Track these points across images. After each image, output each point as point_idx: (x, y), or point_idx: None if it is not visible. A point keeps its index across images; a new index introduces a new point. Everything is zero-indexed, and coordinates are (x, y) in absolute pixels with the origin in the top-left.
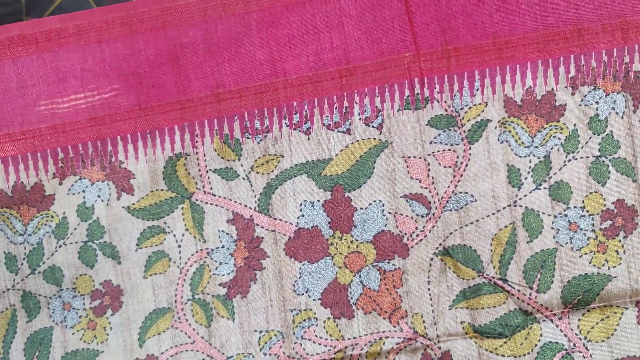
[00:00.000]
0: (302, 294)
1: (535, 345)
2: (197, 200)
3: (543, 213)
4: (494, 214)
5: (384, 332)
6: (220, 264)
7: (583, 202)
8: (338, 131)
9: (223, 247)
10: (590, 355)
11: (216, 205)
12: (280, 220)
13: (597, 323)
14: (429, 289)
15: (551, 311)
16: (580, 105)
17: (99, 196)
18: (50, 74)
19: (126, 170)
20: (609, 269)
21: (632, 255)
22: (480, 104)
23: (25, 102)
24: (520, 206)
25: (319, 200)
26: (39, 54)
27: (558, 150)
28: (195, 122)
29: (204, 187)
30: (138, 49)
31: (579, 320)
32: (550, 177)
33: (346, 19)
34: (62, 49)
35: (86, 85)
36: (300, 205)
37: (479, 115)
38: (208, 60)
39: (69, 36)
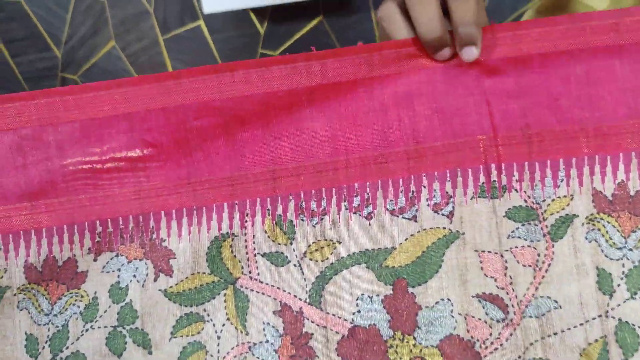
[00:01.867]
0: None
1: None
2: (242, 286)
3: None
4: (581, 324)
5: None
6: None
7: None
8: (403, 218)
9: (267, 341)
10: None
11: (263, 293)
12: (334, 315)
13: None
14: None
15: None
16: None
17: (134, 276)
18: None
19: (167, 249)
20: None
21: None
22: (565, 196)
23: (65, 171)
24: (613, 317)
25: (378, 295)
26: (82, 121)
27: None
28: (247, 200)
29: (250, 272)
30: (189, 120)
31: None
32: None
33: (416, 96)
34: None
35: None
36: (357, 299)
37: (563, 209)
38: (265, 135)
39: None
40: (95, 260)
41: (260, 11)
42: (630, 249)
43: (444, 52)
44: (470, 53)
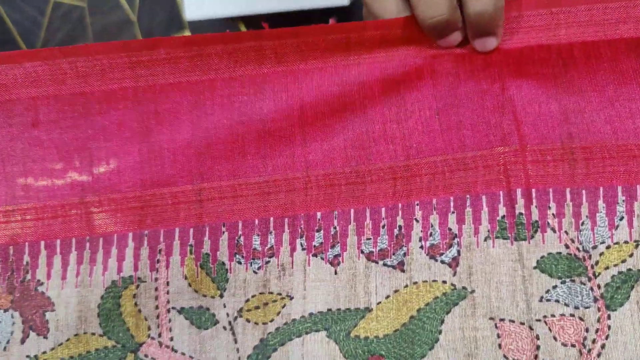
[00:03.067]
0: None
1: None
2: (147, 356)
3: None
4: None
5: None
6: None
7: None
8: (384, 265)
9: None
10: None
11: None
12: None
13: None
14: None
15: None
16: None
17: None
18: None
19: (43, 296)
20: None
21: None
22: (626, 242)
23: None
24: None
25: None
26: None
27: None
28: (161, 230)
29: (160, 335)
30: (90, 112)
31: None
32: None
33: (408, 92)
34: None
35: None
36: None
37: (624, 261)
38: (191, 136)
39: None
40: None
41: (251, 22)
42: None
43: (451, 38)
44: (487, 44)
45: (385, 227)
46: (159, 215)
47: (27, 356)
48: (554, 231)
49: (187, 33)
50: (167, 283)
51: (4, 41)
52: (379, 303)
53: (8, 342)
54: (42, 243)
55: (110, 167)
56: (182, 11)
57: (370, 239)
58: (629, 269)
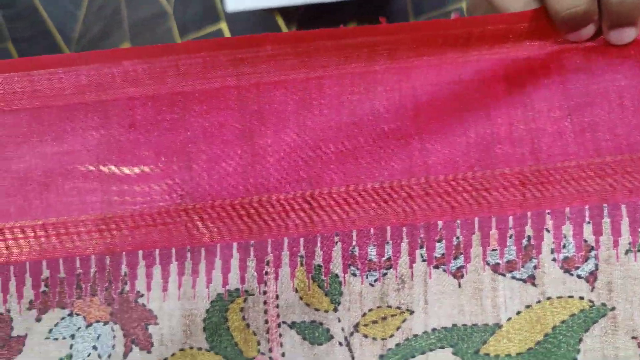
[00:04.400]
0: None
1: None
2: None
3: None
4: None
5: None
6: None
7: None
8: (513, 278)
9: None
10: None
11: None
12: None
13: None
14: None
15: None
16: None
17: (94, 347)
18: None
19: (145, 309)
20: None
21: None
22: None
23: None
24: None
25: None
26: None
27: None
28: (268, 240)
29: (271, 350)
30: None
31: None
32: None
33: (535, 91)
34: None
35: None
36: None
37: None
38: (299, 139)
39: None
40: (38, 320)
41: (288, 14)
42: None
43: (585, 31)
44: (624, 35)
45: (513, 237)
46: (266, 224)
47: None
48: None
49: (223, 25)
50: (277, 296)
51: (40, 33)
52: (509, 319)
53: (109, 356)
54: (140, 253)
55: (211, 172)
56: (218, 2)
57: (496, 249)
58: None
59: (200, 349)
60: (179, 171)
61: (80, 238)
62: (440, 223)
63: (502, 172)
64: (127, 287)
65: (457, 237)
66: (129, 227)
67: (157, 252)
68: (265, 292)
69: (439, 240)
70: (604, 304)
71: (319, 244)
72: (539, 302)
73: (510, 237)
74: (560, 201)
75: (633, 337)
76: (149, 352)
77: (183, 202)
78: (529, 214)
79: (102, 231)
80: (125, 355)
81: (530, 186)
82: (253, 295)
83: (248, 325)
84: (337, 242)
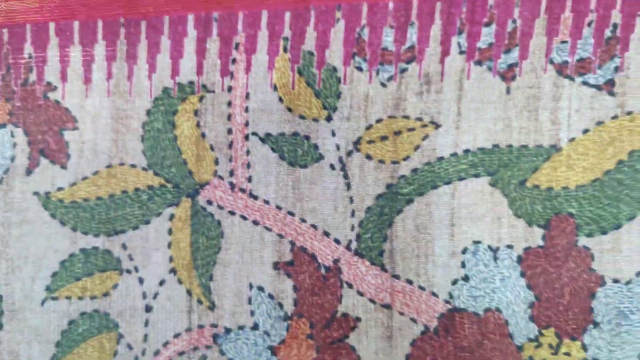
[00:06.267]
0: None
1: None
2: (210, 202)
3: None
4: None
5: None
6: None
7: None
8: (585, 82)
9: (255, 328)
10: None
11: (254, 222)
12: (409, 282)
13: None
14: None
15: None
16: None
17: None
18: None
19: (58, 107)
20: None
21: None
22: None
23: None
24: None
25: (511, 247)
26: None
27: None
28: (239, 12)
29: (232, 173)
30: None
31: None
32: None
33: None
34: None
35: None
36: (465, 252)
37: None
38: None
39: None
40: None
41: None
42: None
43: None
44: None
45: (593, 24)
46: None
47: (35, 193)
48: None
49: None
50: (247, 95)
51: None
52: (572, 140)
53: (6, 171)
54: (52, 25)
55: None
56: None
57: (566, 42)
58: None
59: (134, 166)
60: None
61: None
62: None
63: None
64: (33, 76)
65: (514, 21)
66: None
67: (77, 24)
68: (230, 89)
69: (487, 25)
70: None
71: (312, 21)
72: (615, 117)
73: (590, 24)
74: None
75: None
76: (63, 166)
77: None
78: None
79: None
80: (30, 169)
81: None
82: (213, 92)
83: (204, 135)
84: (338, 20)
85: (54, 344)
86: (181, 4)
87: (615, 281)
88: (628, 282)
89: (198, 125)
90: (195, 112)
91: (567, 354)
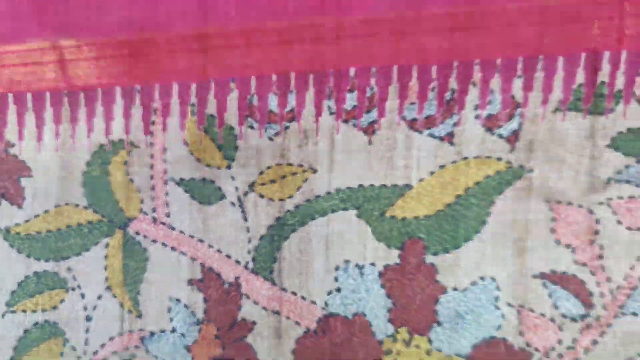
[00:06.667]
0: None
1: None
2: (137, 233)
3: None
4: None
5: None
6: None
7: None
8: (430, 135)
9: (174, 331)
10: None
11: (172, 248)
12: (294, 294)
13: None
14: None
15: None
16: None
17: None
18: None
19: (16, 160)
20: None
21: None
22: None
23: None
24: None
25: (374, 264)
26: None
27: None
28: (155, 85)
29: (154, 210)
30: None
31: None
32: None
33: None
34: None
35: None
36: (338, 269)
37: None
38: None
39: None
40: None
41: None
42: None
43: None
44: None
45: (435, 90)
46: (153, 67)
47: None
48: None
49: None
50: (165, 150)
51: None
52: (420, 180)
53: None
54: (10, 96)
55: (89, 2)
56: None
57: (414, 103)
58: None
59: (77, 205)
60: (52, 2)
61: None
62: (352, 70)
63: (430, 13)
64: None
65: (372, 88)
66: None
67: (29, 95)
68: (152, 145)
69: (351, 91)
70: (521, 166)
71: (212, 91)
72: (454, 162)
73: (432, 89)
74: (492, 50)
75: (546, 201)
76: (20, 207)
77: (57, 37)
78: (455, 63)
79: None
80: None
81: (461, 32)
82: (138, 147)
83: (132, 181)
84: (233, 90)
85: (12, 349)
86: (110, 78)
87: (455, 289)
88: (464, 290)
89: (127, 173)
90: (125, 163)
91: (417, 346)
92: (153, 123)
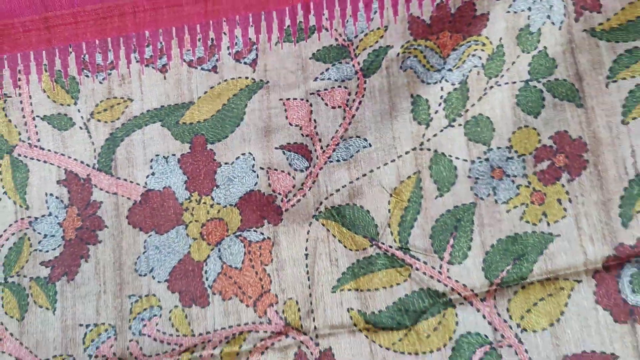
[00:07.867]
0: (145, 275)
1: (450, 338)
2: (19, 155)
3: (457, 158)
4: (393, 161)
5: (246, 324)
6: (45, 236)
7: (509, 140)
8: (202, 69)
9: (50, 214)
10: (526, 351)
11: (44, 161)
12: (125, 180)
13: (535, 304)
14: (306, 265)
15: (471, 290)
16: (508, 12)
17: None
18: None
19: None
20: (548, 225)
21: (581, 204)
22: (378, 28)
23: None
24: (428, 149)
25: (174, 155)
26: None
27: (478, 73)
28: (17, 53)
29: (29, 138)
30: None
31: (509, 301)
32: (467, 110)
33: None
34: None
35: None
36: (151, 161)
37: (376, 42)
38: None
39: None
40: None
41: None
42: (450, 69)
43: None
44: None
45: (201, 40)
46: (15, 42)
47: None
48: (327, 30)
49: None
50: (30, 97)
51: None
52: (199, 97)
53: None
54: None
55: None
56: None
57: (189, 50)
58: (380, 47)
59: None
60: None
61: None
62: (147, 33)
63: None
64: None
65: (161, 42)
66: None
67: None
68: (20, 94)
69: (148, 45)
70: (261, 80)
71: (57, 55)
72: (219, 83)
73: (199, 40)
74: (232, 11)
75: (280, 99)
76: None
77: None
78: (211, 22)
79: None
80: None
81: (211, 1)
82: (11, 97)
83: (10, 121)
84: (71, 52)
85: None
86: None
87: (226, 164)
88: (232, 163)
89: (6, 115)
90: (3, 109)
91: (204, 203)
92: (19, 80)
